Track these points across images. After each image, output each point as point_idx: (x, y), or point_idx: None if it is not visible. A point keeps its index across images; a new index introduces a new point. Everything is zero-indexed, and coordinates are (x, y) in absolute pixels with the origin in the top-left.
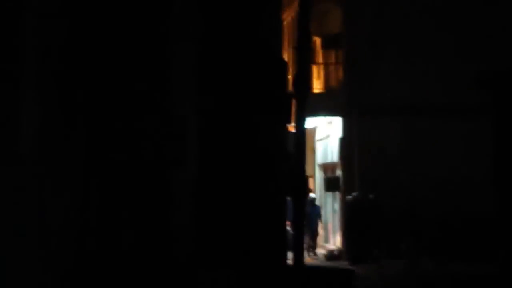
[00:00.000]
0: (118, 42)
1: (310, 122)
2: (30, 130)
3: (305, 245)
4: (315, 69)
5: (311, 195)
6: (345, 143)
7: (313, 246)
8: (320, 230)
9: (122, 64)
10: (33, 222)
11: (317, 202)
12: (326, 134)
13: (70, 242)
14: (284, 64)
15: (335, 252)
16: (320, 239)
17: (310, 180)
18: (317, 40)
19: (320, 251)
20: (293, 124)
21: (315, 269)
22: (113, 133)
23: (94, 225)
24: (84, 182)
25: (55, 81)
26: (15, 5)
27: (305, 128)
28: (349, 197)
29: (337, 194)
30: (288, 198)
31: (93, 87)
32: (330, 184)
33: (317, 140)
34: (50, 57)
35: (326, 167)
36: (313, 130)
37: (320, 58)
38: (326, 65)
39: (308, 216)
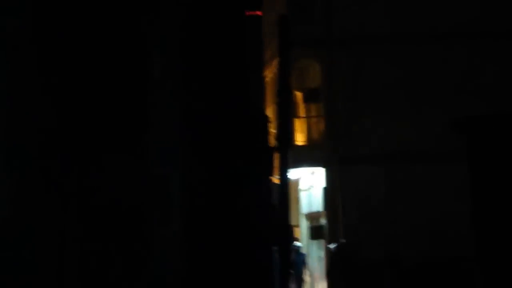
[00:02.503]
0: (97, 104)
1: (293, 174)
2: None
3: None
4: (297, 122)
5: (296, 243)
6: (328, 193)
7: None
8: (306, 277)
9: (101, 126)
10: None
11: (302, 250)
12: (309, 184)
13: None
14: (266, 118)
15: None
16: (306, 286)
17: (296, 229)
18: (298, 94)
19: None
20: (276, 176)
21: None
22: (93, 193)
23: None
24: (62, 244)
25: (28, 145)
26: None
27: (288, 179)
28: (331, 246)
29: (322, 242)
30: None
31: (70, 149)
32: (315, 233)
33: (301, 190)
34: (21, 125)
35: (311, 217)
36: (297, 181)
37: (302, 111)
38: (307, 118)
39: (294, 264)
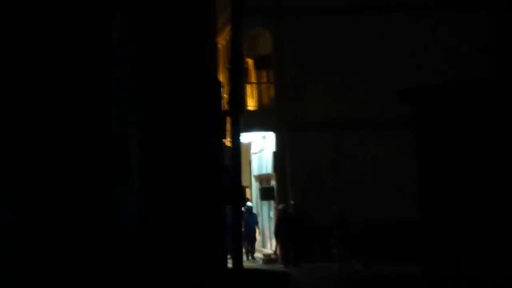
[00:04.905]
0: (60, 69)
1: (245, 137)
2: None
3: (244, 250)
4: (248, 88)
5: (248, 203)
6: (278, 156)
7: (251, 251)
8: (258, 236)
9: (65, 91)
10: None
11: (254, 210)
12: (260, 147)
13: (19, 247)
14: (219, 83)
15: (272, 256)
16: (257, 244)
17: (247, 190)
18: (250, 61)
19: (258, 255)
20: (229, 139)
21: (253, 272)
22: (60, 153)
23: (43, 232)
24: (32, 195)
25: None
26: None
27: (240, 142)
28: (280, 206)
29: (272, 203)
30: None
31: (40, 108)
32: (265, 194)
33: (253, 153)
34: None
35: (261, 178)
36: (249, 144)
37: (253, 77)
38: (258, 84)
39: (246, 223)
